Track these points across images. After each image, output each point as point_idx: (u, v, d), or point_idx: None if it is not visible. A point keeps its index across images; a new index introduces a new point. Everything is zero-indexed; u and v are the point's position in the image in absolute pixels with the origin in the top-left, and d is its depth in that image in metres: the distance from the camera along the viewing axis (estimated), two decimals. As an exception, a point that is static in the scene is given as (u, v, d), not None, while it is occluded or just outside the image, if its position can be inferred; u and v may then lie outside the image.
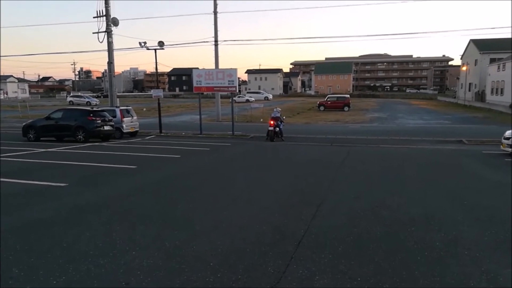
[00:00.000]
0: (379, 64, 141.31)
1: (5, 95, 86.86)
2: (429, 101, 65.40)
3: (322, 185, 8.79)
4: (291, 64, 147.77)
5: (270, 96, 70.38)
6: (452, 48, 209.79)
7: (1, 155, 12.62)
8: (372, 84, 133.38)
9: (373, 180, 9.26)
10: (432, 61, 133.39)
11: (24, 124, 18.39)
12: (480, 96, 51.77)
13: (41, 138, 17.40)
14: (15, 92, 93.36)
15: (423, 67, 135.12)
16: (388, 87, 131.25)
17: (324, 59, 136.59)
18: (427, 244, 5.07)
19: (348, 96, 45.87)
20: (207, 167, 11.33)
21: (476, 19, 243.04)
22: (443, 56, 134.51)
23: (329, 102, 41.53)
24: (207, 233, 5.50)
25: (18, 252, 4.73)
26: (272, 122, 17.97)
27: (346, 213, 6.52)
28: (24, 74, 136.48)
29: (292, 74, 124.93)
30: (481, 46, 52.65)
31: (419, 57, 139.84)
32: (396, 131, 21.95)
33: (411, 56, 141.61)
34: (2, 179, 8.89)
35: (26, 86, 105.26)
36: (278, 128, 18.08)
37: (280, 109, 19.29)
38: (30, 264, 4.39)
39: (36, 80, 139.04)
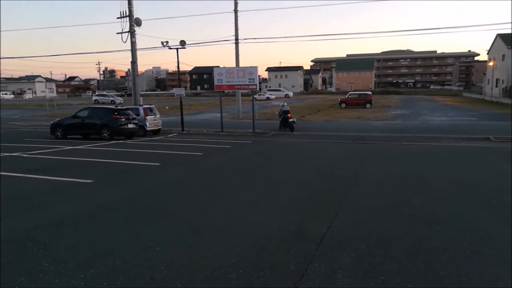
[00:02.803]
0: (402, 60, 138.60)
1: (34, 95, 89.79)
2: (454, 97, 63.71)
3: (343, 183, 8.72)
4: (311, 61, 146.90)
5: (291, 94, 70.06)
6: (478, 43, 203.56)
7: (28, 152, 13.05)
8: (394, 81, 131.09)
9: (395, 178, 9.11)
10: (457, 56, 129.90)
11: (52, 122, 18.97)
12: (508, 92, 50.05)
13: (68, 136, 17.90)
14: (43, 91, 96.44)
15: (448, 62, 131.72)
16: (411, 84, 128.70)
17: (345, 55, 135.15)
18: (452, 244, 4.96)
19: (370, 93, 45.19)
20: (228, 165, 11.40)
21: (503, 14, 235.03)
22: (469, 51, 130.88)
23: (350, 99, 41.05)
24: (229, 230, 5.55)
25: (47, 246, 4.89)
26: (289, 115, 20.52)
27: (369, 211, 6.45)
28: (51, 74, 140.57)
29: (312, 71, 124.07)
30: (509, 40, 50.81)
31: (444, 52, 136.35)
32: (419, 128, 21.49)
33: (435, 51, 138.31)
34: (31, 176, 9.22)
35: (53, 85, 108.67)
36: (292, 119, 20.53)
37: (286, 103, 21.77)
38: (58, 258, 4.53)
39: (63, 79, 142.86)
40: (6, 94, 79.04)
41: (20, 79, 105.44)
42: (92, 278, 4.04)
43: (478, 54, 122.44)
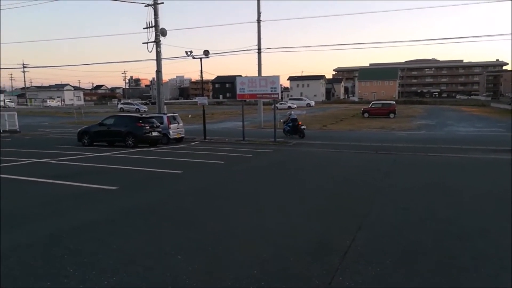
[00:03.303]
0: (426, 69, 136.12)
1: (63, 102, 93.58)
2: (482, 107, 61.92)
3: (367, 195, 8.56)
4: (334, 70, 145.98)
5: (312, 103, 69.78)
6: (507, 52, 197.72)
7: (56, 159, 13.42)
8: (419, 90, 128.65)
9: (421, 191, 8.88)
10: (484, 66, 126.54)
11: (79, 129, 19.50)
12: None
13: (94, 143, 18.33)
14: (71, 99, 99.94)
15: (475, 72, 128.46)
16: (436, 93, 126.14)
17: (368, 65, 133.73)
18: (483, 260, 4.78)
19: (394, 102, 44.48)
20: (250, 173, 11.39)
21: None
22: (497, 60, 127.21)
23: (373, 109, 40.53)
24: (251, 240, 5.52)
25: (71, 252, 4.97)
26: (300, 122, 22.07)
27: (394, 224, 6.30)
28: (79, 82, 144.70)
29: (335, 80, 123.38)
30: (541, 49, 49.22)
31: (470, 61, 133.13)
32: (445, 139, 20.97)
33: (461, 61, 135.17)
34: (58, 181, 9.46)
35: (81, 94, 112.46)
36: (303, 127, 21.88)
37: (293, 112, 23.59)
38: (83, 264, 4.59)
39: (90, 88, 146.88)
40: (53, 101, 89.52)
41: (50, 87, 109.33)
42: (116, 285, 4.08)
43: (507, 64, 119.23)
